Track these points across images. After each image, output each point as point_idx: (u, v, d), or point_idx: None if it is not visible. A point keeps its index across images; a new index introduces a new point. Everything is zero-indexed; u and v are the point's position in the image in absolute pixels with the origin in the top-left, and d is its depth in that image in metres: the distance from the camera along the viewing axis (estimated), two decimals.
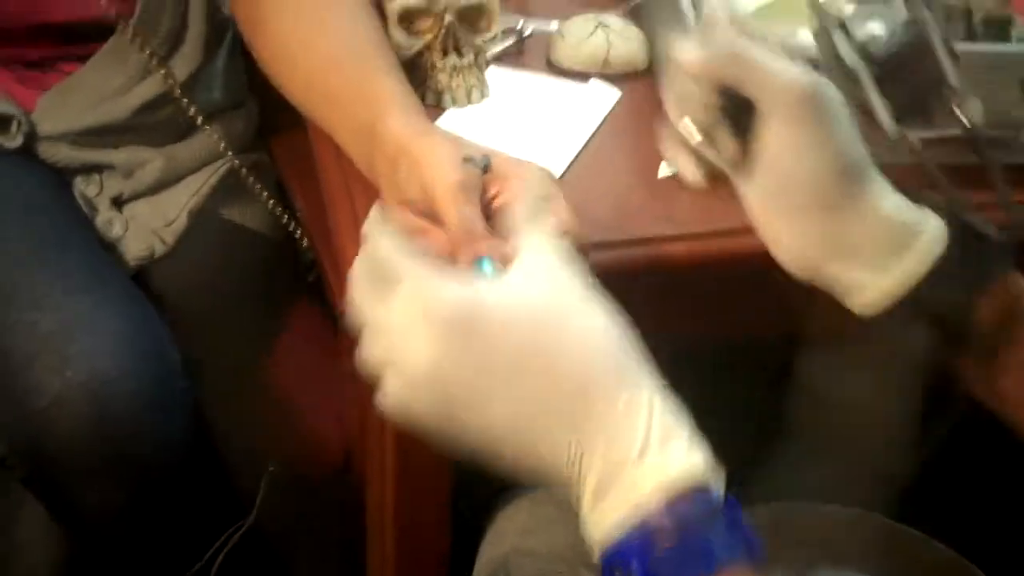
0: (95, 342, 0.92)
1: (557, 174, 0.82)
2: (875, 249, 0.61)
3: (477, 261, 0.59)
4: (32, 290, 0.95)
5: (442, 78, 0.90)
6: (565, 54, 0.95)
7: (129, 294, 1.00)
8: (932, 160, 0.67)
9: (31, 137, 1.05)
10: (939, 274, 0.61)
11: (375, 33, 0.84)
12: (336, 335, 1.02)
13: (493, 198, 0.65)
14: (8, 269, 0.96)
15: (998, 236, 0.62)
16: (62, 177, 1.07)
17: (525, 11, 1.01)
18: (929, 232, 0.61)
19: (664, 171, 0.84)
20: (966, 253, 0.61)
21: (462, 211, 0.62)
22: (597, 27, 0.95)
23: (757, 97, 0.60)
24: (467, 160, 0.65)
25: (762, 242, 0.64)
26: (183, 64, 1.06)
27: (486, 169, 0.65)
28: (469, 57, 0.90)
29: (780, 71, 0.59)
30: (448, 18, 0.89)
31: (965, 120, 0.68)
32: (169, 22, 1.04)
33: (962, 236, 0.61)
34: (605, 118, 0.90)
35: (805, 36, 0.82)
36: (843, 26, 0.74)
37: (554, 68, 0.96)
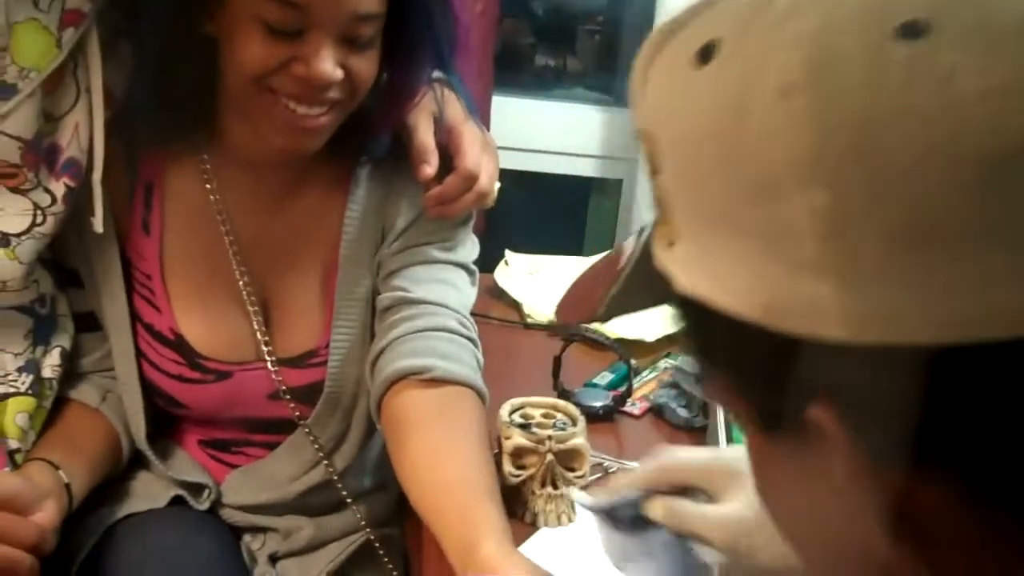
0: None
1: None
2: None
3: None
4: None
5: (539, 503, 1.14)
6: None
7: None
8: None
9: (216, 503, 1.33)
10: None
11: (485, 464, 1.09)
12: None
13: None
14: None
15: None
16: (234, 533, 1.34)
17: (613, 452, 1.27)
18: None
19: None
20: None
21: None
22: None
23: None
24: None
25: None
26: (342, 458, 1.34)
27: None
28: (562, 488, 1.15)
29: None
30: (549, 457, 1.15)
31: None
32: (336, 426, 1.32)
33: None
34: None
35: None
36: None
37: None
